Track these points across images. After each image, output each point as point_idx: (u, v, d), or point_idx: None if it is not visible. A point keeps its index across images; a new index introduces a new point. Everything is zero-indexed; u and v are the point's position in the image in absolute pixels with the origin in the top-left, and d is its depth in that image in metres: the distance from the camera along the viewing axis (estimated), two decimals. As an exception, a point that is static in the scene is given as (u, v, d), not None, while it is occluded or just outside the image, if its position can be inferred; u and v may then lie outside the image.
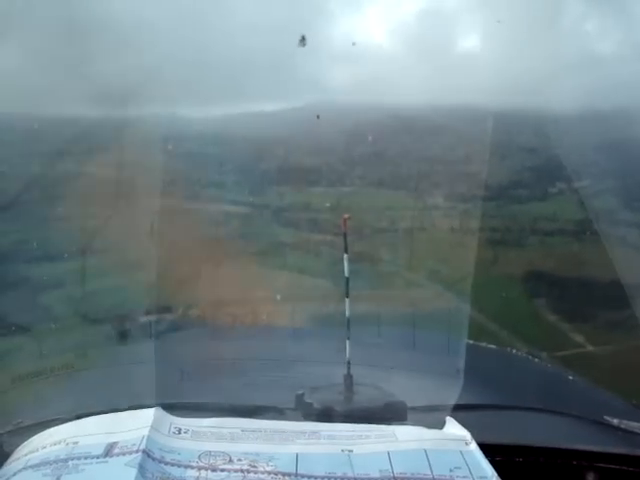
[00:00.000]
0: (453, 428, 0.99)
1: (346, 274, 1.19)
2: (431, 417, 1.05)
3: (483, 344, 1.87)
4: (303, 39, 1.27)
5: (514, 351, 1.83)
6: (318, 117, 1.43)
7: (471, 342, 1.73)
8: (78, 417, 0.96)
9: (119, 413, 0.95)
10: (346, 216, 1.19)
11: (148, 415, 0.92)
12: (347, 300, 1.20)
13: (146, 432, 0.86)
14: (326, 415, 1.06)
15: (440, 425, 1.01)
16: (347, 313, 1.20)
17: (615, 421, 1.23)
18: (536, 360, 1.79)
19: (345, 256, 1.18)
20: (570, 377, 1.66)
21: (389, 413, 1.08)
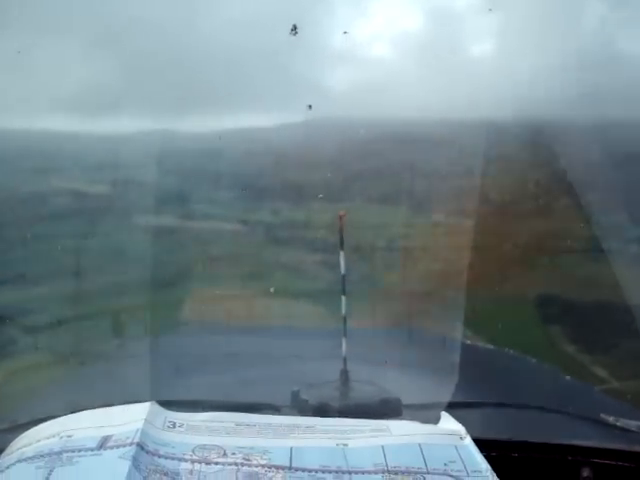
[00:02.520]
0: (448, 423, 0.99)
1: (342, 271, 1.20)
2: (426, 414, 1.06)
3: (480, 344, 1.87)
4: (295, 28, 1.26)
5: (511, 351, 1.83)
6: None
7: (468, 342, 1.74)
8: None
9: (114, 407, 0.95)
10: (342, 212, 1.20)
11: (143, 409, 0.93)
12: (343, 298, 1.20)
13: (140, 425, 0.87)
14: (322, 411, 1.06)
15: (435, 421, 1.01)
16: (343, 311, 1.21)
17: (611, 419, 1.23)
18: (533, 360, 1.79)
19: (341, 253, 1.18)
20: (567, 377, 1.66)
21: (385, 409, 1.08)
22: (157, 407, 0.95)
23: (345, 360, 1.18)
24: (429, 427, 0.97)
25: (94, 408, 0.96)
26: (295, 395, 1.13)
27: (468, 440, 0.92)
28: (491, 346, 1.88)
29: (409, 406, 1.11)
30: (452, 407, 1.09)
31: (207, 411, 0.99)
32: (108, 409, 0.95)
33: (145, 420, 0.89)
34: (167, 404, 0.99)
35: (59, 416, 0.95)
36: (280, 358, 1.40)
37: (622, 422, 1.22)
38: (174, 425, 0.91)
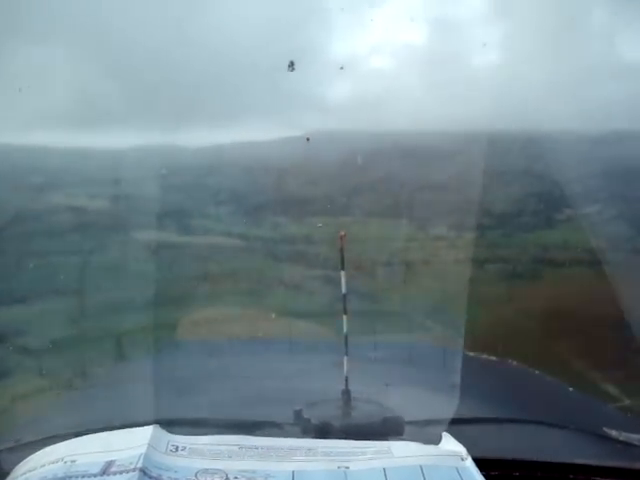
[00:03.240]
0: (449, 444, 0.99)
1: (343, 291, 1.20)
2: (429, 431, 1.06)
3: (483, 356, 1.87)
4: (292, 64, 1.28)
5: (513, 363, 1.83)
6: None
7: (470, 354, 1.74)
8: (77, 434, 0.96)
9: (117, 431, 0.95)
10: (342, 233, 1.20)
11: (146, 433, 0.93)
12: (345, 317, 1.21)
13: (143, 450, 0.87)
14: (324, 430, 1.06)
15: (437, 440, 1.01)
16: (345, 330, 1.21)
17: (614, 433, 1.22)
18: (536, 372, 1.79)
19: (342, 273, 1.19)
20: (570, 389, 1.66)
21: (387, 428, 1.08)
22: (160, 430, 0.95)
23: (347, 379, 1.18)
24: (430, 448, 0.97)
25: (98, 430, 0.97)
26: (297, 414, 1.13)
27: (469, 461, 0.92)
28: (493, 358, 1.89)
29: (411, 423, 1.11)
30: (453, 423, 1.09)
31: (209, 430, 0.99)
32: (112, 433, 0.95)
33: (148, 444, 0.89)
34: (169, 423, 0.99)
35: (62, 436, 0.96)
36: (282, 377, 1.40)
37: (624, 436, 1.21)
38: (177, 449, 0.91)
